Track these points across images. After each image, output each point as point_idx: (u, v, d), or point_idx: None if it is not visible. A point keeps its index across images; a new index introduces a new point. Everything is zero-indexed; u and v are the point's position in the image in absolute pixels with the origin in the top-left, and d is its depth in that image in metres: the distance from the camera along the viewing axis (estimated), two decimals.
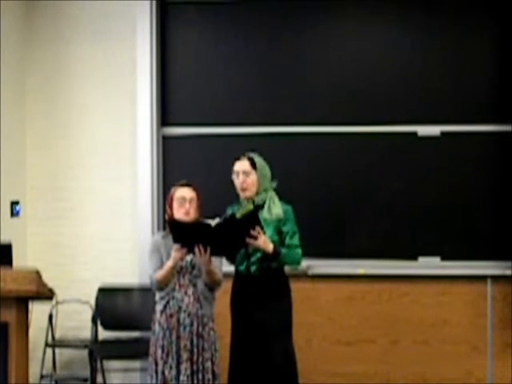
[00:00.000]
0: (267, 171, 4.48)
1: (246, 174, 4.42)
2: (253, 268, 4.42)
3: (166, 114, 5.73)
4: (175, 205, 4.32)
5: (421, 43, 5.55)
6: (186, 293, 4.30)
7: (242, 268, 4.45)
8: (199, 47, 5.72)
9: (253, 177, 4.43)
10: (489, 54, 5.50)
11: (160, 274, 4.24)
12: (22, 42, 5.75)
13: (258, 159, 4.48)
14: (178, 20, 5.73)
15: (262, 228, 4.24)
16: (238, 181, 4.45)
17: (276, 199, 4.45)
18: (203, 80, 5.70)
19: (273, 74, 5.65)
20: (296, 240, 4.43)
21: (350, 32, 5.63)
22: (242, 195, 4.45)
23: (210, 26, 5.72)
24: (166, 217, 4.38)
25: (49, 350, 5.60)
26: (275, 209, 4.41)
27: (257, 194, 4.43)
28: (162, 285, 4.27)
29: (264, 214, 4.36)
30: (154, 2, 5.67)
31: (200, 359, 4.26)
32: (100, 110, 5.75)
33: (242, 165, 4.45)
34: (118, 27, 5.71)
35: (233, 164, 4.48)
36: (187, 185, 4.38)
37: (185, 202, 4.30)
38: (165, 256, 4.30)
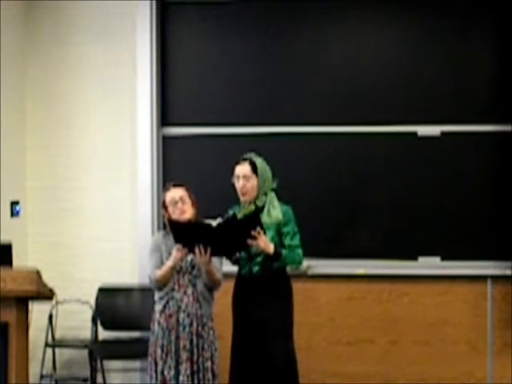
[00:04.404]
0: (268, 175, 4.46)
1: (246, 179, 4.41)
2: (255, 269, 4.42)
3: (166, 113, 5.74)
4: (170, 209, 4.34)
5: (421, 43, 5.54)
6: (185, 293, 4.30)
7: (245, 270, 4.45)
8: (199, 47, 5.72)
9: (253, 182, 4.41)
10: (489, 54, 5.50)
11: (159, 273, 4.25)
12: (22, 41, 5.75)
13: (259, 162, 4.45)
14: (177, 20, 5.73)
15: (263, 229, 4.23)
16: (238, 185, 4.43)
17: (275, 202, 4.44)
18: (203, 80, 5.70)
19: (273, 74, 5.65)
20: (297, 240, 4.42)
21: (350, 32, 5.63)
22: (242, 199, 4.44)
23: (209, 26, 5.72)
24: (165, 220, 4.38)
25: (49, 350, 5.60)
26: (275, 212, 4.40)
27: (256, 197, 4.42)
28: (161, 284, 4.28)
29: (264, 218, 4.35)
30: (154, 2, 5.67)
31: (200, 359, 4.26)
32: (100, 110, 5.75)
33: (242, 169, 4.43)
34: (117, 27, 5.71)
35: (234, 165, 4.47)
36: (174, 185, 4.39)
37: (176, 203, 4.31)
38: (165, 255, 4.30)
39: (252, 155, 4.49)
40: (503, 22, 5.47)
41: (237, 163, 4.47)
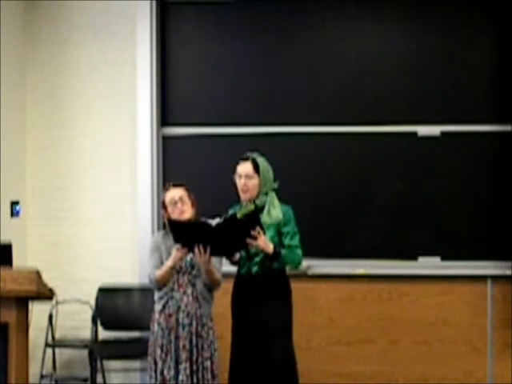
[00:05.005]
0: (270, 175, 4.47)
1: (248, 178, 4.41)
2: (254, 269, 4.42)
3: (165, 114, 5.74)
4: (169, 209, 4.34)
5: (421, 43, 5.55)
6: (184, 292, 4.31)
7: (244, 269, 4.46)
8: (199, 47, 5.72)
9: (254, 181, 4.42)
10: (489, 54, 5.50)
11: (159, 273, 4.25)
12: (22, 41, 5.75)
13: (261, 162, 4.45)
14: (178, 20, 5.73)
15: (263, 228, 4.24)
16: (239, 182, 4.45)
17: (276, 202, 4.45)
18: (203, 80, 5.70)
19: (273, 74, 5.65)
20: (296, 241, 4.42)
21: (350, 32, 5.63)
22: (242, 197, 4.45)
23: (210, 26, 5.72)
24: (164, 220, 4.38)
25: (49, 350, 5.60)
26: (275, 212, 4.40)
27: (257, 196, 4.43)
28: (161, 284, 4.28)
29: (264, 218, 4.35)
30: (154, 2, 5.67)
31: (199, 359, 4.27)
32: (100, 110, 5.75)
33: (244, 168, 4.43)
34: (118, 27, 5.71)
35: (236, 164, 4.47)
36: (174, 185, 4.39)
37: (176, 203, 4.31)
38: (165, 255, 4.31)
39: (255, 154, 4.50)
40: (503, 21, 5.47)
41: (239, 162, 4.47)
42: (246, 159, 4.47)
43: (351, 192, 5.57)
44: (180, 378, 4.23)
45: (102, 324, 5.59)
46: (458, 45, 5.53)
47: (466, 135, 5.51)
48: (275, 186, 4.49)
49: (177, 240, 4.16)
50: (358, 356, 5.55)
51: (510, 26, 5.44)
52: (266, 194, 4.45)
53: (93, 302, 5.60)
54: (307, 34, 5.61)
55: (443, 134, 5.52)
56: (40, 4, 5.78)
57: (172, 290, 4.31)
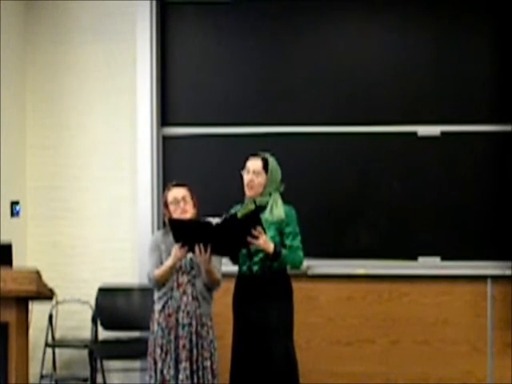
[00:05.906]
0: (278, 175, 4.48)
1: (255, 174, 4.43)
2: (255, 268, 4.42)
3: (165, 114, 5.74)
4: (171, 208, 4.34)
5: (421, 43, 5.55)
6: (184, 292, 4.31)
7: (245, 268, 4.46)
8: (199, 47, 5.72)
9: (261, 178, 4.43)
10: (489, 54, 5.50)
11: (158, 272, 4.25)
12: (22, 42, 5.75)
13: (271, 162, 4.47)
14: (177, 20, 5.73)
15: (263, 228, 4.24)
16: (246, 177, 4.45)
17: (279, 201, 4.45)
18: (203, 80, 5.70)
19: (273, 74, 5.65)
20: (298, 241, 4.42)
21: (350, 32, 5.63)
22: (247, 193, 4.45)
23: (210, 26, 5.72)
24: (166, 219, 4.38)
25: (49, 350, 5.60)
26: (277, 211, 4.41)
27: (261, 194, 4.44)
28: (160, 283, 4.28)
29: (266, 216, 4.37)
30: (154, 2, 5.67)
31: (199, 358, 4.27)
32: (100, 110, 5.75)
33: (254, 163, 4.45)
34: (118, 27, 5.71)
35: (247, 159, 4.48)
36: (177, 185, 4.39)
37: (178, 202, 4.31)
38: (164, 254, 4.31)
39: (267, 154, 4.51)
40: (503, 22, 5.47)
41: (250, 157, 4.48)
42: (257, 156, 4.48)
43: (351, 192, 5.57)
44: (180, 377, 4.23)
45: (102, 324, 5.59)
46: (458, 45, 5.52)
47: (466, 135, 5.51)
48: (281, 188, 4.49)
49: (177, 239, 4.16)
50: (357, 356, 5.55)
51: (510, 26, 5.44)
52: (270, 194, 4.45)
53: (93, 302, 5.60)
54: (307, 34, 5.61)
55: (443, 133, 5.52)
56: (40, 4, 5.78)
57: (172, 289, 4.31)
